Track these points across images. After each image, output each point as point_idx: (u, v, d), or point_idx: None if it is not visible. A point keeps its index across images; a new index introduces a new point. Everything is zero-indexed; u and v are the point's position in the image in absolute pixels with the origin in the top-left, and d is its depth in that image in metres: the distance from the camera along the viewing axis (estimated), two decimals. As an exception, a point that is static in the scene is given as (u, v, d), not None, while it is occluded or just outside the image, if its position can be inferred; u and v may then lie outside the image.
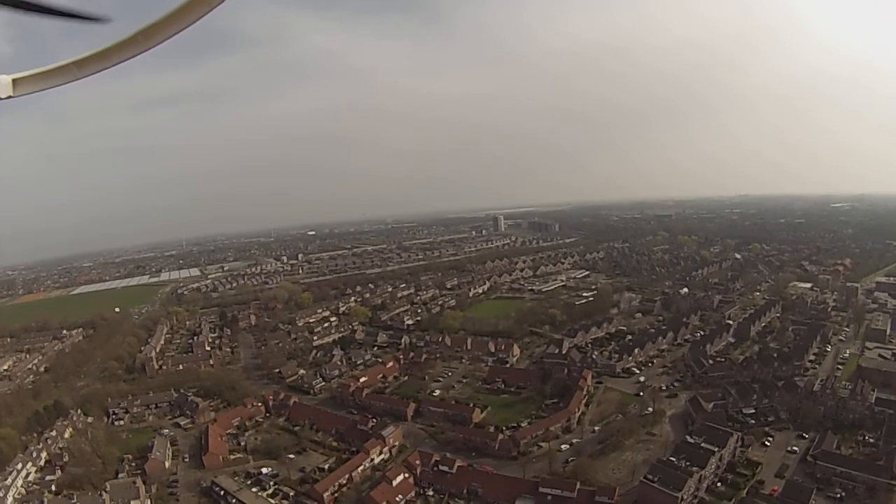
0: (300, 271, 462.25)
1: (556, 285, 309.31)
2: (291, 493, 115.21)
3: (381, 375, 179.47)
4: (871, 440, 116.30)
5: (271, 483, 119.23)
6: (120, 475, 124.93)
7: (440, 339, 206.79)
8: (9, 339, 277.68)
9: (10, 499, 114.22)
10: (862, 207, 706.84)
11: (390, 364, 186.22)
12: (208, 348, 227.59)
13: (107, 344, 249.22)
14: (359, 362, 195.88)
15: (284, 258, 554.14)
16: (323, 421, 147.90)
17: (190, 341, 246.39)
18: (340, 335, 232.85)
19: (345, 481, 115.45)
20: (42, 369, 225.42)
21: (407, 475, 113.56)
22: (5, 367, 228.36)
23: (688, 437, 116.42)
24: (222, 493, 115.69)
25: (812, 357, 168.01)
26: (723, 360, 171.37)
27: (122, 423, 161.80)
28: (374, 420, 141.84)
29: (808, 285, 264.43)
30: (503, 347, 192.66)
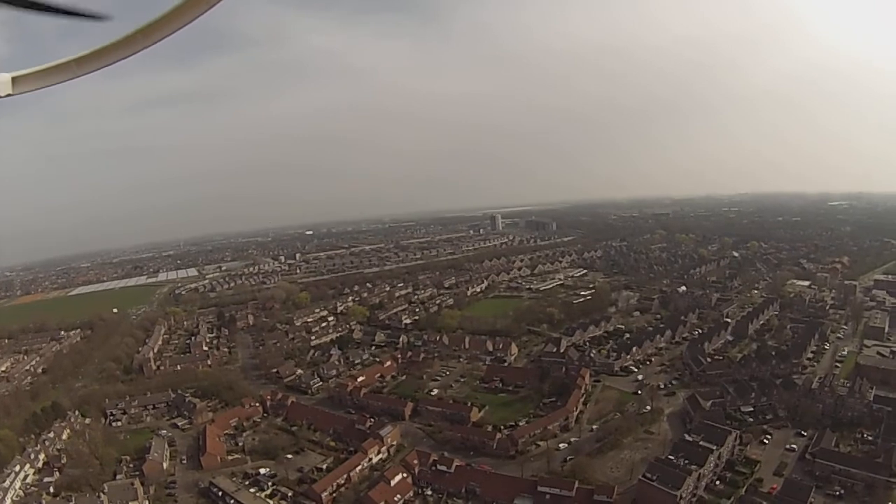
0: (298, 271, 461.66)
1: (554, 284, 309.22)
2: (289, 494, 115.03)
3: (378, 375, 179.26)
4: (870, 438, 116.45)
5: (269, 483, 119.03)
6: (118, 476, 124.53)
7: (438, 339, 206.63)
8: (6, 341, 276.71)
9: (8, 501, 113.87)
10: (860, 206, 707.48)
11: (388, 363, 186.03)
12: (206, 348, 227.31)
13: (104, 345, 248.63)
14: (356, 362, 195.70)
15: (282, 258, 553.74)
16: (321, 421, 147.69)
17: (187, 342, 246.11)
18: (338, 335, 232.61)
19: (343, 481, 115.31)
20: (40, 370, 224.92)
21: (405, 475, 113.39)
22: (3, 369, 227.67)
23: (686, 436, 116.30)
24: (220, 493, 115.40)
25: (810, 355, 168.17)
26: (721, 358, 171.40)
27: (119, 424, 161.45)
28: (372, 420, 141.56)
29: (807, 283, 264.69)
30: (501, 346, 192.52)
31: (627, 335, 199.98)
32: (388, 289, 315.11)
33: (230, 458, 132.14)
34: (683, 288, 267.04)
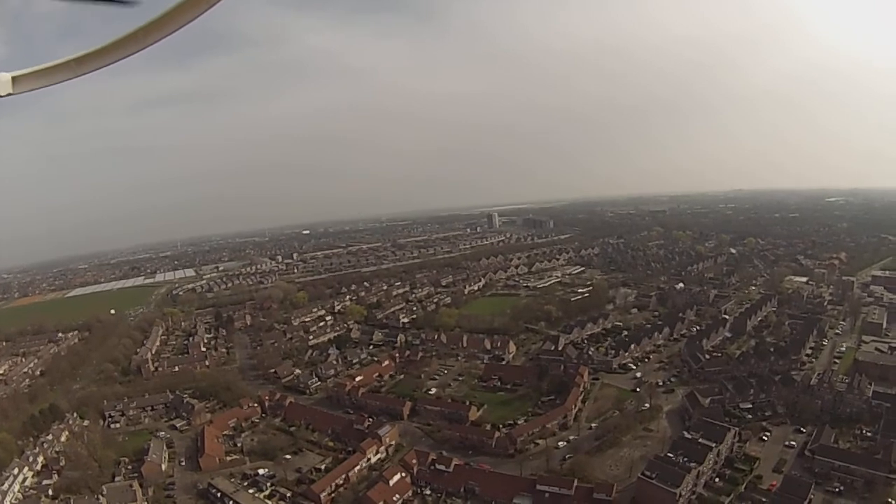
0: (295, 270, 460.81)
1: (552, 282, 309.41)
2: (288, 494, 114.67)
3: (376, 374, 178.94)
4: (869, 434, 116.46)
5: (268, 484, 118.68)
6: (116, 478, 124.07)
7: (436, 337, 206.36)
8: (4, 343, 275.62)
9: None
10: (856, 202, 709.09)
11: (386, 363, 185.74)
12: (204, 349, 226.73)
13: (102, 346, 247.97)
14: (354, 361, 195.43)
15: (279, 257, 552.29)
16: (319, 421, 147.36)
17: (185, 342, 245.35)
18: (336, 334, 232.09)
19: (341, 481, 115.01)
20: (38, 373, 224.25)
21: (404, 474, 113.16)
22: (1, 371, 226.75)
23: (685, 433, 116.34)
24: (219, 494, 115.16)
25: (809, 351, 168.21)
26: (719, 354, 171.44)
27: (118, 425, 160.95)
28: (371, 419, 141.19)
29: (804, 279, 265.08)
30: (499, 345, 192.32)
31: (625, 332, 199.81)
32: (385, 288, 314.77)
33: (229, 458, 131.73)
34: (681, 285, 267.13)
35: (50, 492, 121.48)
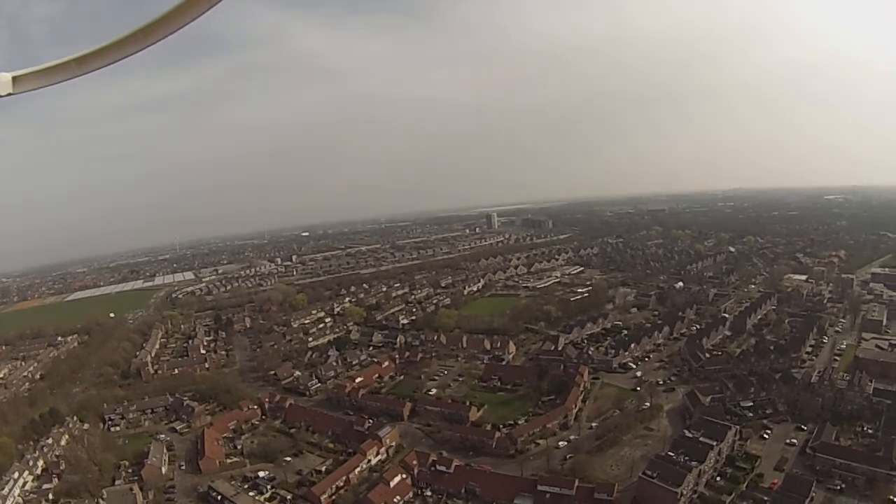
0: (294, 273, 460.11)
1: (551, 282, 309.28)
2: (289, 497, 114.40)
3: (376, 375, 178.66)
4: (870, 431, 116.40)
5: (268, 486, 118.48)
6: (117, 482, 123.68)
7: (435, 338, 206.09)
8: (4, 347, 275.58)
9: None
10: (855, 200, 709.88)
11: (386, 364, 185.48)
12: (203, 352, 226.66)
13: (102, 349, 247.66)
14: (354, 363, 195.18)
15: (278, 260, 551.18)
16: (319, 422, 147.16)
17: (185, 345, 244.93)
18: (335, 336, 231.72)
19: (342, 483, 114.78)
20: (38, 376, 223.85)
21: (404, 476, 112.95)
22: (1, 375, 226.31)
23: (686, 432, 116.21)
24: (219, 497, 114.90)
25: (809, 349, 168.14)
26: (719, 353, 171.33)
27: (118, 429, 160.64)
28: (371, 421, 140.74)
29: (804, 277, 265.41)
30: (499, 345, 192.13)
31: (625, 332, 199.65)
32: (384, 289, 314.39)
33: (229, 461, 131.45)
34: (680, 284, 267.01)
35: (50, 496, 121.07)
